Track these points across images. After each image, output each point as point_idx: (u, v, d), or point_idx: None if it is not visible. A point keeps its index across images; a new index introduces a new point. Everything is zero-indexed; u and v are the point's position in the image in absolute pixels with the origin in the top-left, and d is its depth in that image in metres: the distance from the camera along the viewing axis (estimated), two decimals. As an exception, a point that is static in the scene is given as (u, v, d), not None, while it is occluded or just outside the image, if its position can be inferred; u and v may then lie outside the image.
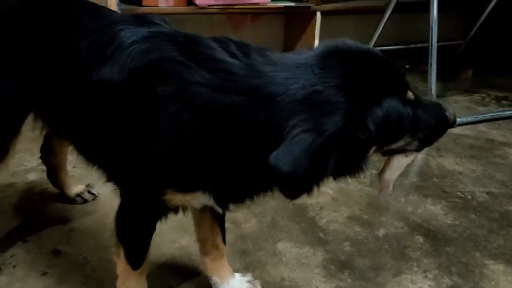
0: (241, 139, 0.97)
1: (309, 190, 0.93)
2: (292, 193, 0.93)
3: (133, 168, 1.13)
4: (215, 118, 0.98)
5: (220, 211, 1.23)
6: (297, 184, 0.90)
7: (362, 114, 0.91)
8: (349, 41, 1.03)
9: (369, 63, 0.99)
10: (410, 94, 1.02)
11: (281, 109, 0.92)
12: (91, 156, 1.33)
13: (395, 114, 0.96)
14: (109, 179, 1.26)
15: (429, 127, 1.04)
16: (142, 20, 1.18)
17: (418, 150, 1.08)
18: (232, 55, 1.01)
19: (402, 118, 0.98)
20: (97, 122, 1.18)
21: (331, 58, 0.98)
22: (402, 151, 1.07)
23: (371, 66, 0.98)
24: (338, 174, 0.97)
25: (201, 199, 1.12)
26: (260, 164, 0.89)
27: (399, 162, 1.09)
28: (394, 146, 1.04)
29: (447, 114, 1.06)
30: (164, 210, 1.17)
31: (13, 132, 1.41)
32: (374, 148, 0.99)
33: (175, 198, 1.12)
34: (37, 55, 1.28)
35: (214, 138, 0.99)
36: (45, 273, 1.49)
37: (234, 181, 1.06)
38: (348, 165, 0.95)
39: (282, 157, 0.85)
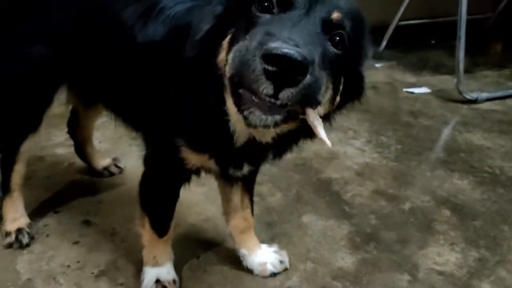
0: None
1: None
2: None
3: (157, 117, 1.20)
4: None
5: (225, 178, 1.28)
6: None
7: None
8: None
9: None
10: None
11: None
12: (126, 116, 1.40)
13: None
14: (139, 135, 1.33)
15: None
16: None
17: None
18: None
19: None
20: (138, 77, 1.23)
21: None
22: None
23: None
24: None
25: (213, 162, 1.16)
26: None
27: None
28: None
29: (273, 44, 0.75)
30: (185, 173, 1.21)
31: (47, 102, 1.44)
32: None
33: (191, 158, 1.15)
34: (76, 21, 1.32)
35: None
36: (76, 242, 1.53)
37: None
38: None
39: None
